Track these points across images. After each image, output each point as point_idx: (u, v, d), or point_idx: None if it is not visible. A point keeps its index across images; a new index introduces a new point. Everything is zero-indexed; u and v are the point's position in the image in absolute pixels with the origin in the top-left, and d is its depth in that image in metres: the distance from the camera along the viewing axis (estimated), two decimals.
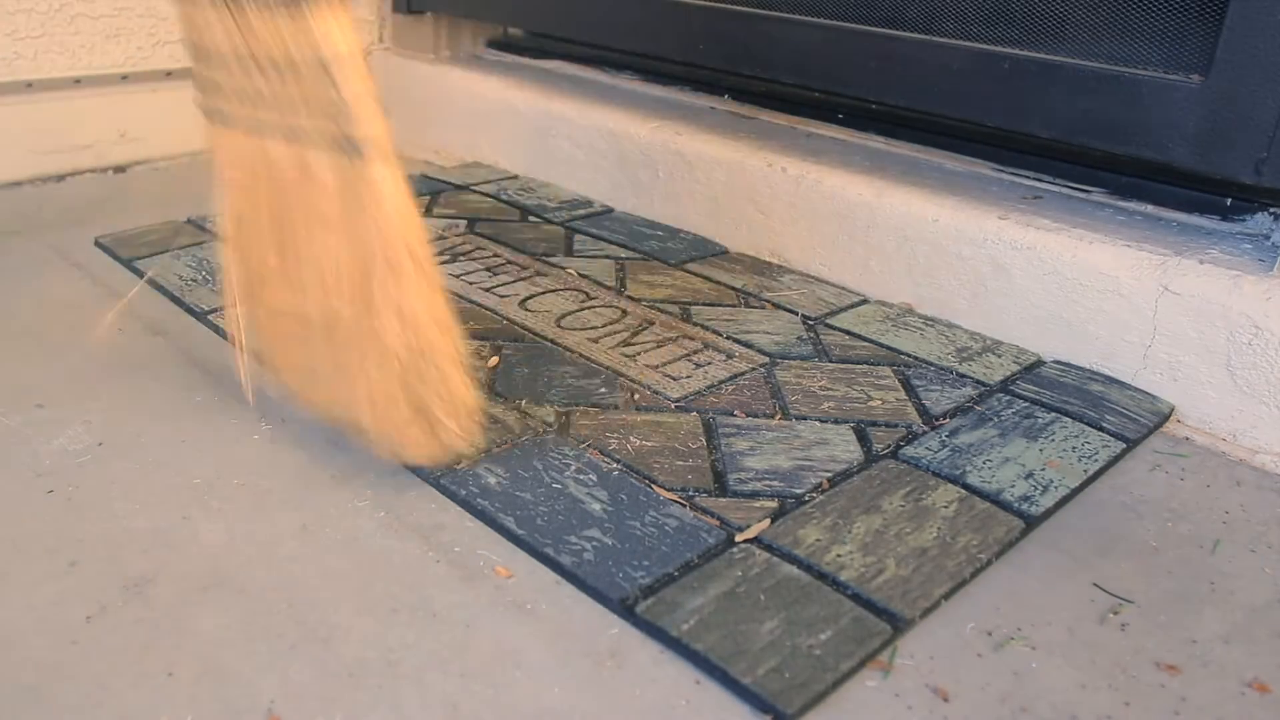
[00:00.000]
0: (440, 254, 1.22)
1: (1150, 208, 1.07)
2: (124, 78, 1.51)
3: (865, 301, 1.15)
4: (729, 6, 1.28)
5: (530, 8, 1.57)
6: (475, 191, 1.46)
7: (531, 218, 1.37)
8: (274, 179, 0.75)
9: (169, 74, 1.56)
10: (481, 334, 1.02)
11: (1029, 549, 0.76)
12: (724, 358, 1.00)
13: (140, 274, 1.14)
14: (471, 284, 1.14)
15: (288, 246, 0.77)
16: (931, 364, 1.00)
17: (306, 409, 0.85)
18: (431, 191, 1.45)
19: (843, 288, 1.18)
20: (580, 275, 1.18)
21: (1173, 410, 0.95)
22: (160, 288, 1.11)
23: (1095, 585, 0.72)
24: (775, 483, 0.80)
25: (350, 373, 0.76)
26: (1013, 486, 0.81)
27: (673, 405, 0.90)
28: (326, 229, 0.73)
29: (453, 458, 0.79)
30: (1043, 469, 0.84)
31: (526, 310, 1.08)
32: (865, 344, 1.04)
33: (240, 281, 0.83)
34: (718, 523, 0.75)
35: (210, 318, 1.04)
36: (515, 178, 1.53)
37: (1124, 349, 0.98)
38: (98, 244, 1.23)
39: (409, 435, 0.75)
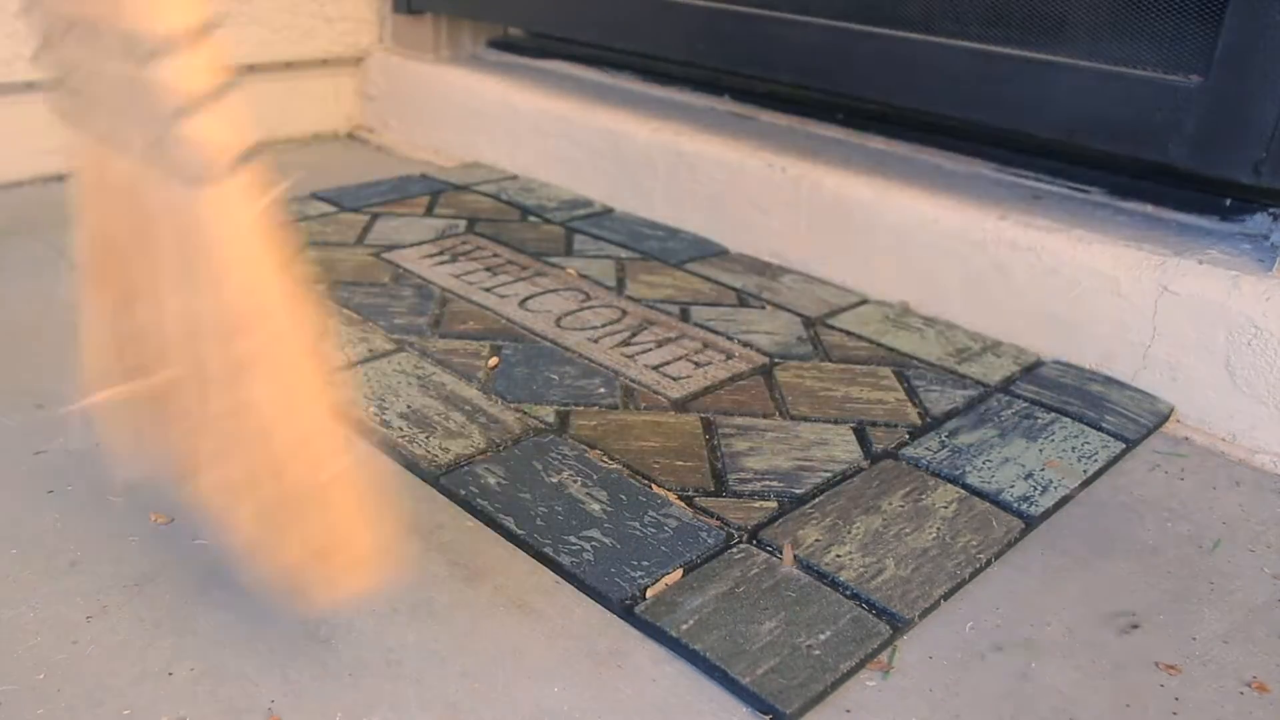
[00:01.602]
0: (440, 254, 1.22)
1: (1150, 208, 1.07)
2: None
3: (865, 301, 1.15)
4: (729, 6, 1.28)
5: (530, 8, 1.57)
6: (475, 191, 1.46)
7: (531, 218, 1.37)
8: (135, 210, 0.57)
9: None
10: (481, 334, 1.02)
11: (1029, 549, 0.76)
12: (724, 358, 1.00)
13: None
14: (471, 284, 1.14)
15: (148, 292, 0.60)
16: (931, 364, 1.00)
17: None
18: (431, 191, 1.45)
19: (842, 288, 1.18)
20: (580, 275, 1.18)
21: (1172, 410, 0.95)
22: None
23: (1095, 586, 0.72)
24: (775, 483, 0.80)
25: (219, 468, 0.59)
26: (1012, 487, 0.81)
27: (673, 405, 0.90)
28: (178, 276, 0.56)
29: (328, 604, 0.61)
30: (1042, 469, 0.84)
31: (526, 310, 1.08)
32: (865, 344, 1.04)
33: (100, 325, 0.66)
34: (718, 523, 0.75)
35: None
36: (515, 178, 1.53)
37: (1124, 349, 0.98)
38: None
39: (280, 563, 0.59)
